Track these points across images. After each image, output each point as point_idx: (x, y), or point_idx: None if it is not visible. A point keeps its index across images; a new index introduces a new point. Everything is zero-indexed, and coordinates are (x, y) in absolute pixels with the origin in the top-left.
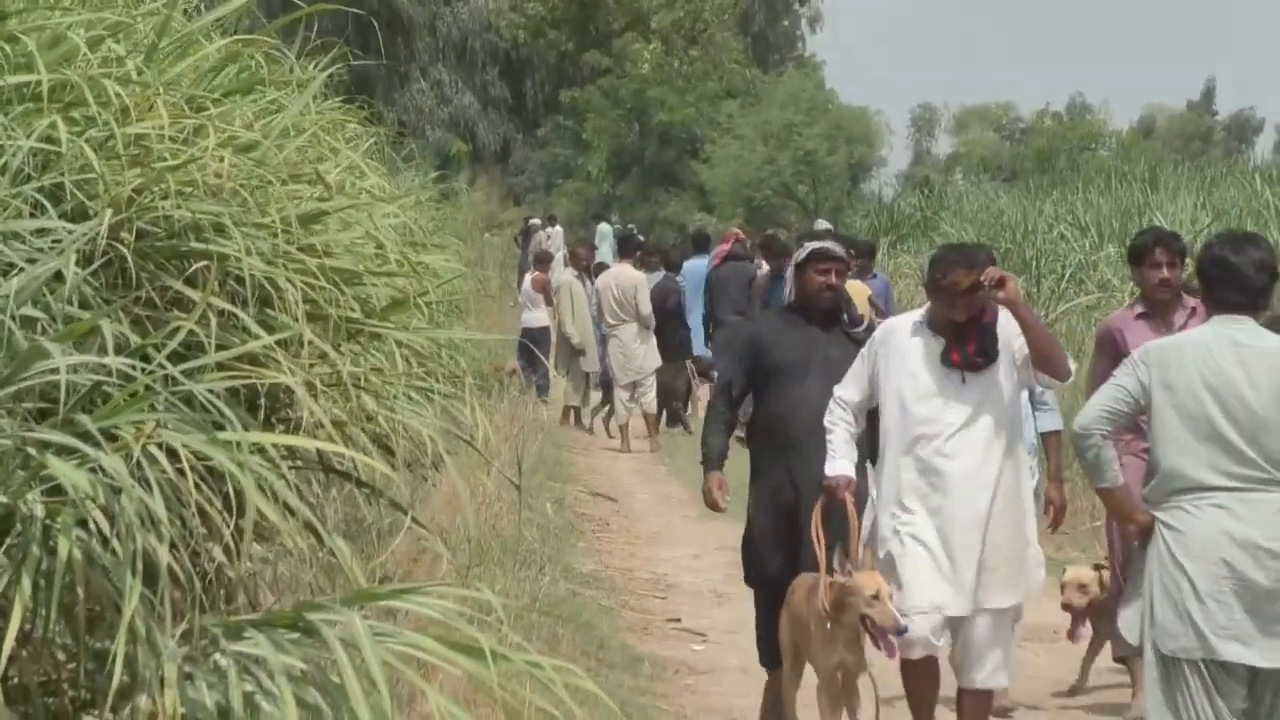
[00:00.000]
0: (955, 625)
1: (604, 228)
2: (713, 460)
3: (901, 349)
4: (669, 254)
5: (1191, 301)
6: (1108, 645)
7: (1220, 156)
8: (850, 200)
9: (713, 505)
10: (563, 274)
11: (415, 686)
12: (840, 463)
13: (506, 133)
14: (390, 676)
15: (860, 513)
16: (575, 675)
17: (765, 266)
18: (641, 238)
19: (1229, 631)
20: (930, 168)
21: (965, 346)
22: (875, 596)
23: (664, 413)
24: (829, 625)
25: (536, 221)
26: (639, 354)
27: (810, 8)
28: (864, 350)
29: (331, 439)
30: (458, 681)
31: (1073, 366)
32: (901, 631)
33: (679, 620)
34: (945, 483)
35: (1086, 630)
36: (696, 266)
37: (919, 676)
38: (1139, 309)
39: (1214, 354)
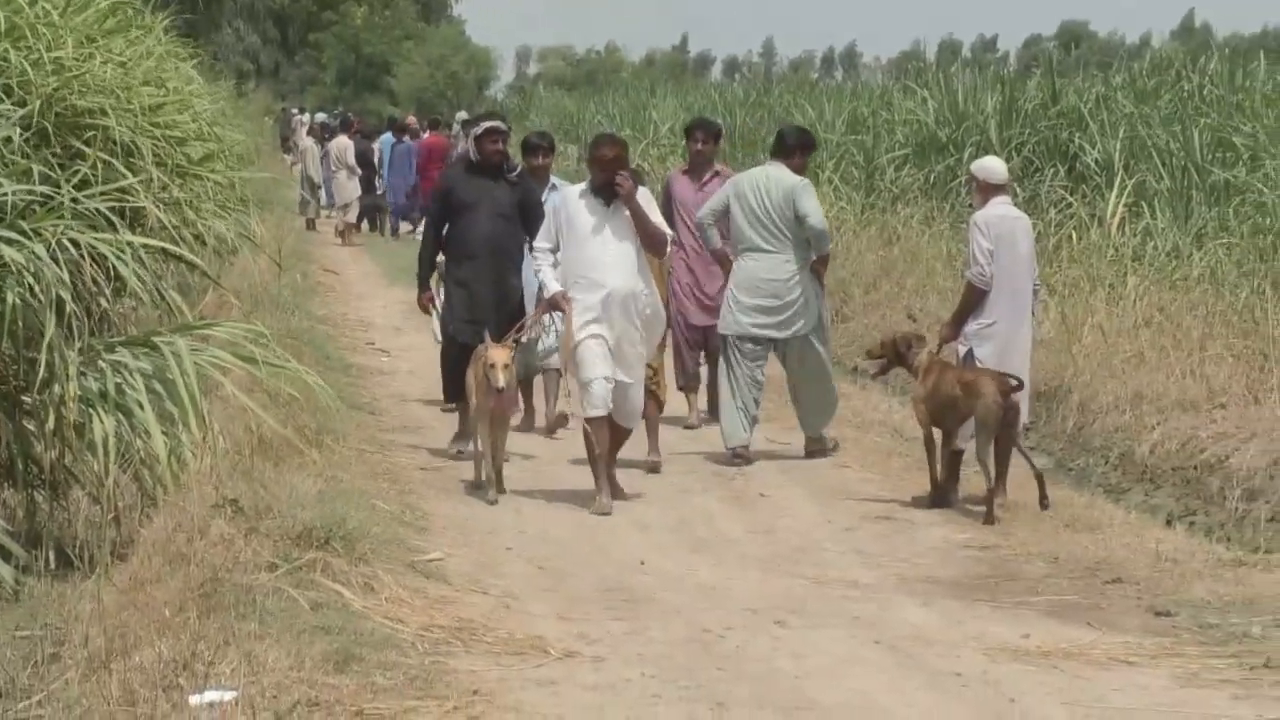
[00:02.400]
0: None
1: (320, 115)
2: (424, 279)
3: (572, 208)
4: (367, 130)
5: (718, 166)
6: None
7: (691, 78)
8: (477, 101)
9: (424, 309)
10: (305, 141)
11: (216, 380)
12: (553, 285)
13: (277, 59)
14: (200, 375)
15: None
16: (309, 374)
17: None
18: (353, 119)
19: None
20: (525, 82)
21: (609, 195)
22: (493, 366)
23: (364, 222)
24: (485, 378)
25: (294, 111)
26: (348, 188)
27: None
28: (550, 213)
29: (170, 238)
30: (242, 378)
31: (667, 232)
32: (501, 390)
33: (374, 342)
34: (606, 295)
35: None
36: (388, 139)
37: (598, 428)
38: (684, 168)
39: (758, 179)
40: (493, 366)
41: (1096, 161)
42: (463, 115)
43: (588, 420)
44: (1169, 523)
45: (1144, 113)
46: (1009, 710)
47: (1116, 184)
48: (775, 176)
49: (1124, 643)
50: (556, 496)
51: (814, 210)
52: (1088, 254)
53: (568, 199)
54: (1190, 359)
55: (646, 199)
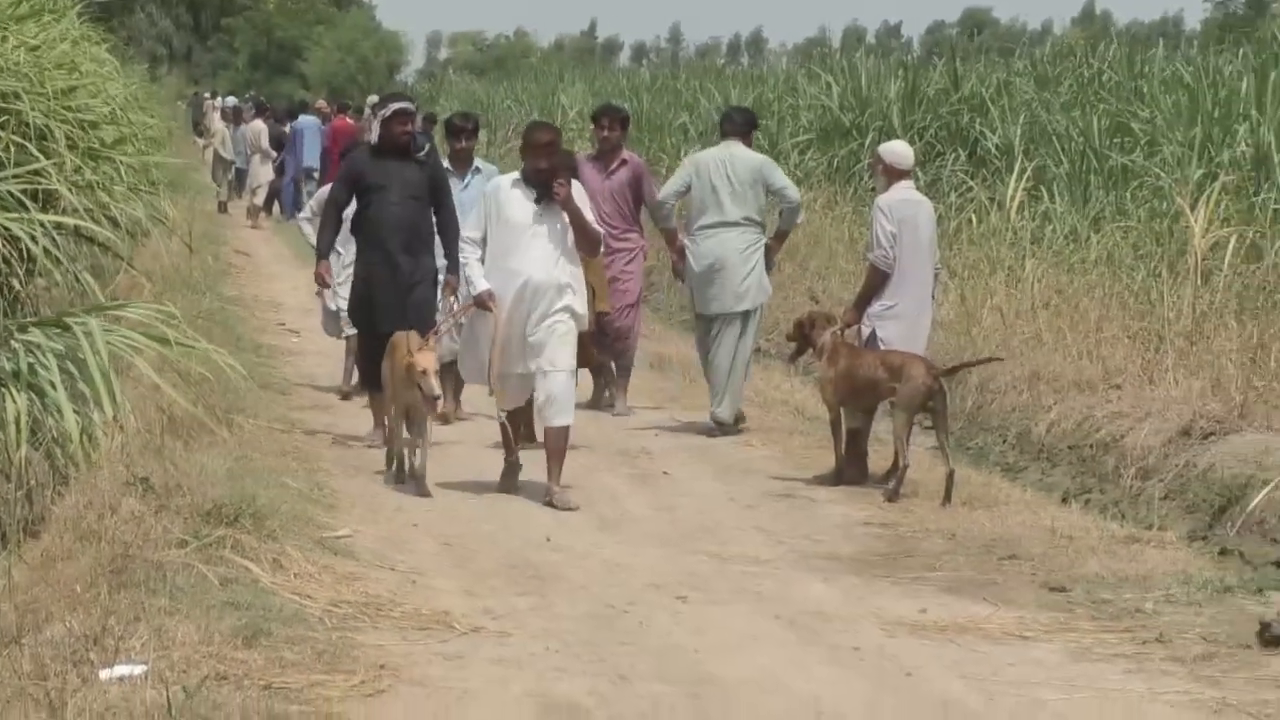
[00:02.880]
0: (536, 380)
1: (231, 100)
2: (322, 252)
3: (503, 198)
4: (278, 114)
5: (625, 154)
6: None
7: (599, 63)
8: (388, 85)
9: (319, 281)
10: (217, 124)
11: (128, 360)
12: (480, 282)
13: (190, 43)
14: (112, 355)
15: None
16: (220, 354)
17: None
18: (265, 104)
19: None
20: (435, 67)
21: (543, 190)
22: (424, 372)
23: (272, 205)
24: (405, 374)
25: (206, 95)
26: (261, 172)
27: None
28: (480, 202)
29: (82, 219)
30: (153, 358)
31: (600, 232)
32: (435, 397)
33: (284, 323)
34: (523, 284)
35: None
36: (306, 121)
37: (515, 417)
38: (591, 153)
39: (720, 157)
40: (424, 373)
41: (997, 146)
42: (373, 99)
43: (506, 413)
44: (1064, 500)
45: (1044, 99)
46: (906, 683)
47: (1016, 168)
48: (737, 154)
49: (1019, 618)
50: (464, 476)
51: (789, 183)
52: (987, 237)
53: (500, 187)
54: (1087, 340)
55: (580, 195)
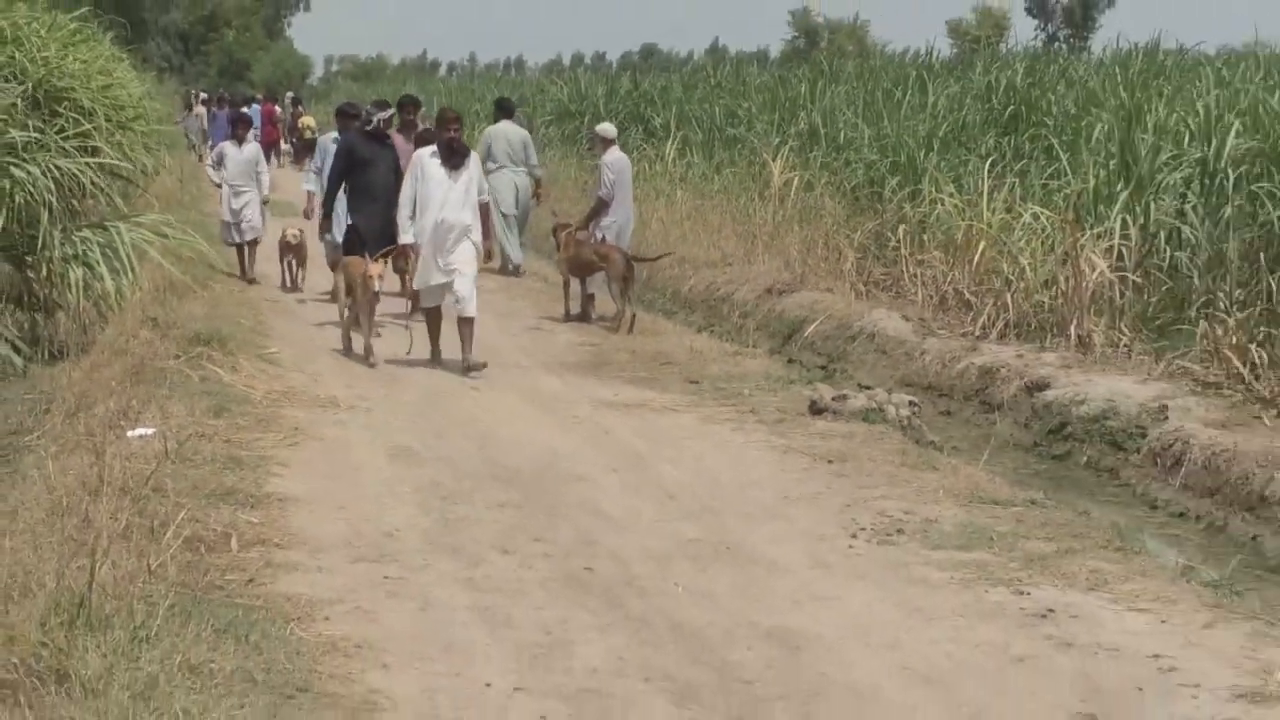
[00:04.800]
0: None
1: (203, 94)
2: (327, 210)
3: (425, 164)
4: (236, 101)
5: (421, 128)
6: None
7: (427, 74)
8: (301, 86)
9: (323, 234)
10: (199, 108)
11: (142, 248)
12: (408, 236)
13: (181, 60)
14: (133, 245)
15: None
16: (201, 245)
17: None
18: (226, 96)
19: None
20: (329, 76)
21: (452, 158)
22: (370, 276)
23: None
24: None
25: (194, 92)
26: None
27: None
28: (409, 172)
29: (115, 163)
30: (159, 247)
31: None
32: (375, 293)
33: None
34: (442, 235)
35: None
36: (254, 108)
37: (432, 318)
38: (398, 128)
39: (505, 129)
40: (370, 277)
41: (661, 125)
42: (290, 94)
43: (425, 310)
44: (699, 331)
45: (688, 96)
46: (605, 437)
47: (671, 138)
48: (513, 129)
49: (671, 399)
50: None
51: (535, 156)
52: (654, 178)
53: (422, 157)
54: (713, 238)
55: (475, 161)
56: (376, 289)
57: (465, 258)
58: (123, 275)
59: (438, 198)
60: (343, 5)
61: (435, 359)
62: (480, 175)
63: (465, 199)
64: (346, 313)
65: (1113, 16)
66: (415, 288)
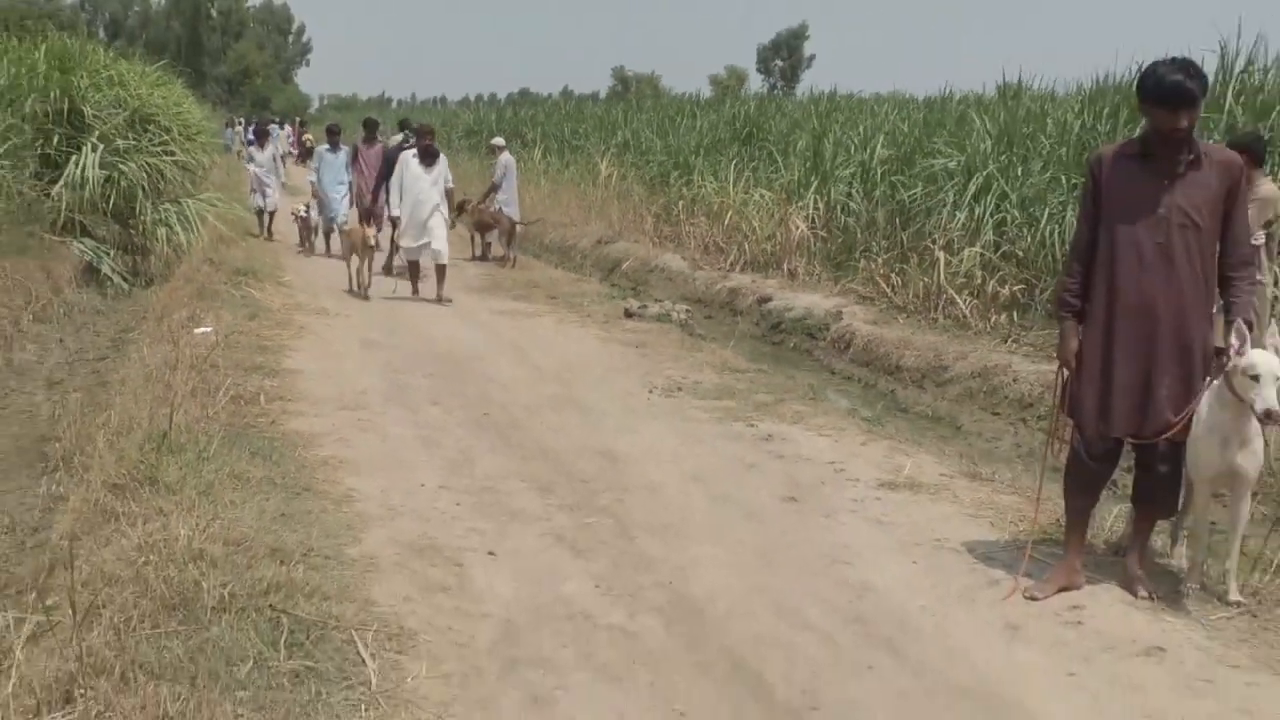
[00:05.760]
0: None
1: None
2: (390, 204)
3: (408, 163)
4: (264, 124)
5: (380, 141)
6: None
7: (385, 105)
8: (305, 114)
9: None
10: (238, 128)
11: (204, 215)
12: (396, 210)
13: (227, 96)
14: (197, 212)
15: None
16: (244, 211)
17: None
18: (256, 120)
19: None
20: (322, 108)
21: (427, 158)
22: (364, 239)
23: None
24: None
25: (235, 118)
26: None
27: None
28: (397, 168)
29: (186, 160)
30: (214, 213)
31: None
32: (373, 245)
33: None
34: (419, 210)
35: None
36: (275, 129)
37: (413, 268)
38: (363, 140)
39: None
40: (368, 238)
41: (532, 138)
42: (298, 119)
43: (409, 263)
44: (556, 267)
45: (549, 121)
46: (494, 333)
47: (538, 146)
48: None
49: (537, 308)
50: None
51: (449, 173)
52: (528, 172)
53: (406, 157)
54: (567, 209)
55: (444, 160)
56: (373, 244)
57: (437, 225)
58: (191, 231)
59: (416, 186)
60: (330, 63)
61: (415, 294)
62: (447, 169)
63: (434, 186)
64: (355, 261)
65: (810, 74)
66: (402, 246)
